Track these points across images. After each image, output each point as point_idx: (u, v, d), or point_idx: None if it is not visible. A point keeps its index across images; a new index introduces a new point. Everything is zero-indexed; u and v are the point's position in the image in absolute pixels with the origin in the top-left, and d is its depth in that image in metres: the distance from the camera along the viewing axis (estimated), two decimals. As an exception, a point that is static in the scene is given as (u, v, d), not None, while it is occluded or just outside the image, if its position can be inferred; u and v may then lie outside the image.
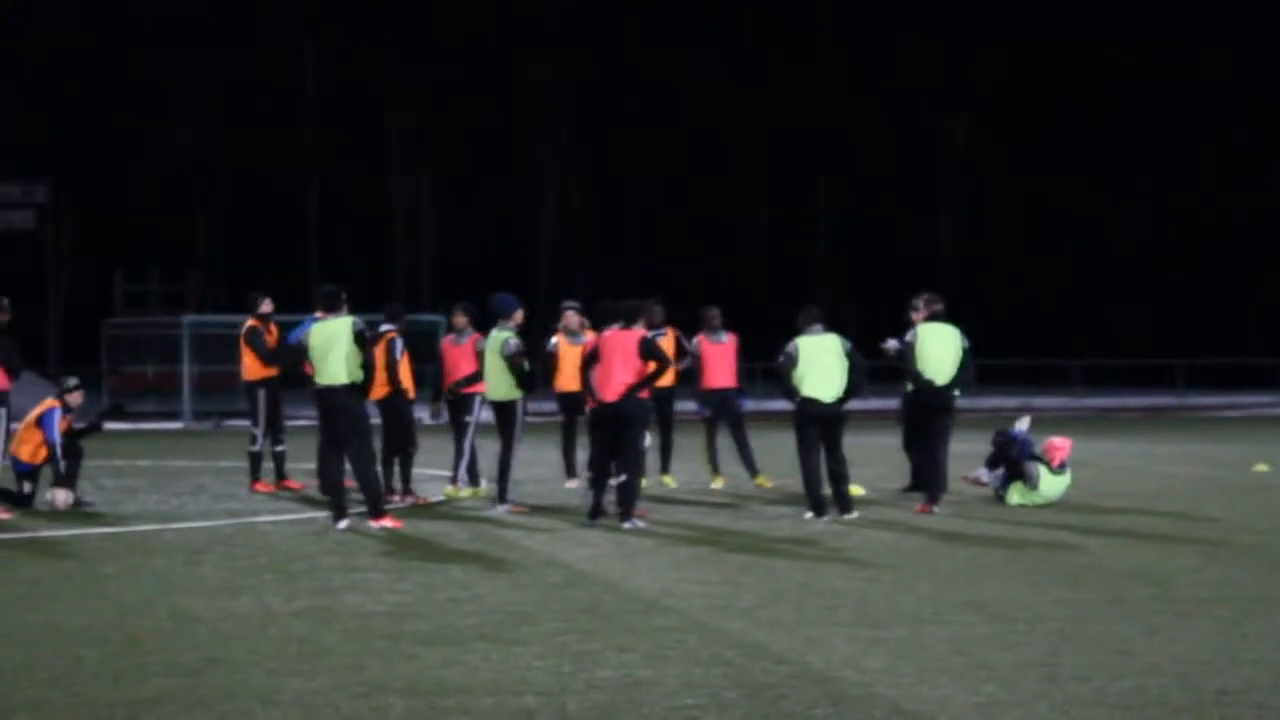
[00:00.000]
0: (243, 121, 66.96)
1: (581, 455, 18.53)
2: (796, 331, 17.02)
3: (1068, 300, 68.39)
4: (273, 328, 20.32)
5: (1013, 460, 18.33)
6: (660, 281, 39.11)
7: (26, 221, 60.60)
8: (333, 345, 16.10)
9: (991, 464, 18.73)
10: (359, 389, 16.17)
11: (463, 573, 13.15)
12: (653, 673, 9.22)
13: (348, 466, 16.33)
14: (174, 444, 32.10)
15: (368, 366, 16.13)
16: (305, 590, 12.24)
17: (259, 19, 66.94)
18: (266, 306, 20.33)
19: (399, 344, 18.46)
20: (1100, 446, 28.02)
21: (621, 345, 16.35)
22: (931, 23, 71.50)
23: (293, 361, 18.55)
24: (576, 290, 51.18)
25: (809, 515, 16.77)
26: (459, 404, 18.98)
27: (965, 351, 17.73)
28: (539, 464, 22.60)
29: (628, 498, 16.29)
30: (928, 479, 17.75)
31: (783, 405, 17.85)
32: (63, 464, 18.24)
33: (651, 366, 16.37)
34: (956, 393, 17.72)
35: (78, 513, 17.97)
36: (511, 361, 17.75)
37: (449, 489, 19.24)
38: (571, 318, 19.52)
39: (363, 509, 16.34)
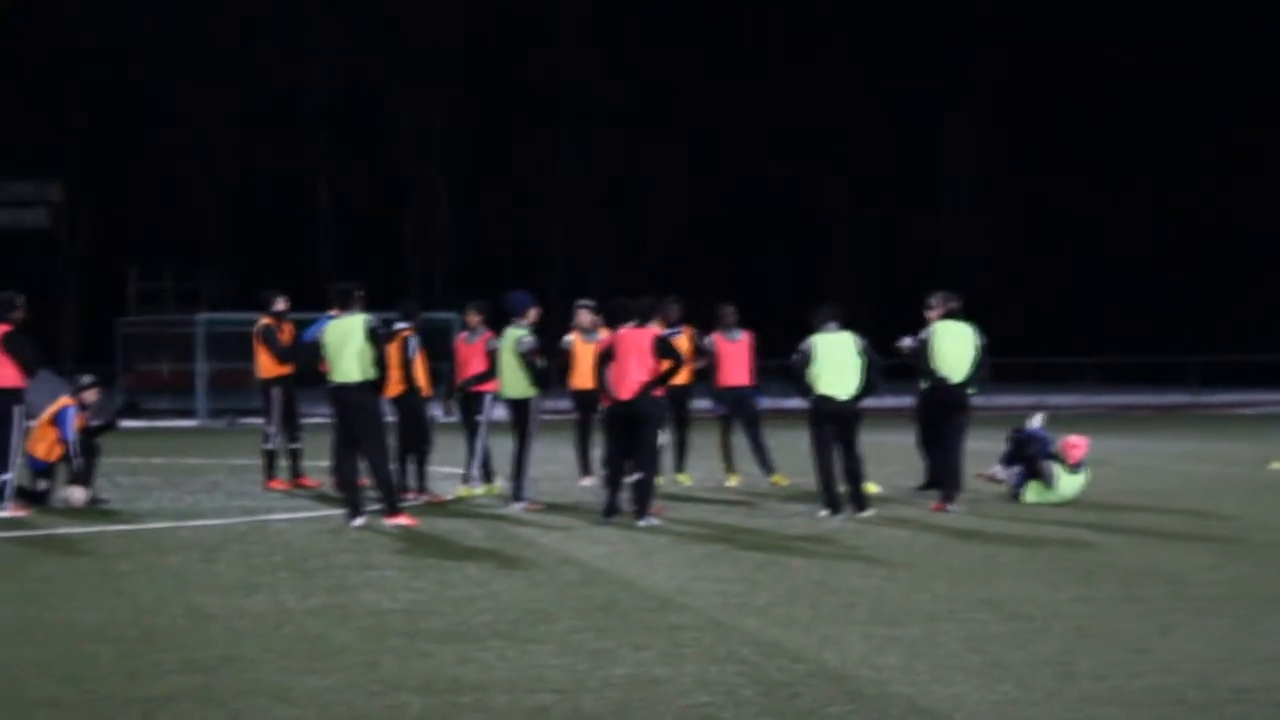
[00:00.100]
0: (256, 121, 67.01)
1: (596, 453, 18.54)
2: (812, 329, 17.01)
3: (1068, 300, 68.36)
4: (287, 326, 20.33)
5: (1030, 459, 18.31)
6: (675, 281, 39.06)
7: (41, 220, 60.72)
8: (346, 342, 16.12)
9: (1007, 461, 18.71)
10: (373, 386, 16.19)
11: (478, 570, 13.16)
12: (668, 670, 9.22)
13: (363, 464, 16.34)
14: (189, 442, 32.14)
15: (381, 363, 16.14)
16: (320, 588, 12.24)
17: (270, 17, 66.97)
18: (281, 304, 20.35)
19: (414, 342, 18.47)
20: (1115, 444, 27.98)
21: (636, 343, 16.35)
22: (932, 23, 71.46)
23: (307, 359, 18.55)
24: (590, 289, 51.18)
25: (824, 513, 16.76)
26: (471, 402, 18.97)
27: (980, 349, 17.70)
28: (554, 462, 22.60)
29: (643, 495, 16.29)
30: (943, 477, 17.73)
31: (798, 403, 17.84)
32: (78, 462, 18.27)
33: (666, 364, 16.37)
34: (971, 390, 17.69)
35: (93, 510, 18.00)
36: (526, 359, 17.78)
37: (461, 489, 19.24)
38: (585, 316, 19.52)
39: (378, 507, 16.35)
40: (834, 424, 16.83)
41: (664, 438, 17.45)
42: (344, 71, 67.44)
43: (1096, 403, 48.49)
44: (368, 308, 16.57)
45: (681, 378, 18.50)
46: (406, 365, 18.28)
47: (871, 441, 20.04)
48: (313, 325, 19.07)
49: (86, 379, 19.07)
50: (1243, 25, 68.05)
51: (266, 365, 20.17)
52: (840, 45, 70.42)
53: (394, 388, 17.85)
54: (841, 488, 16.86)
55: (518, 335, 17.97)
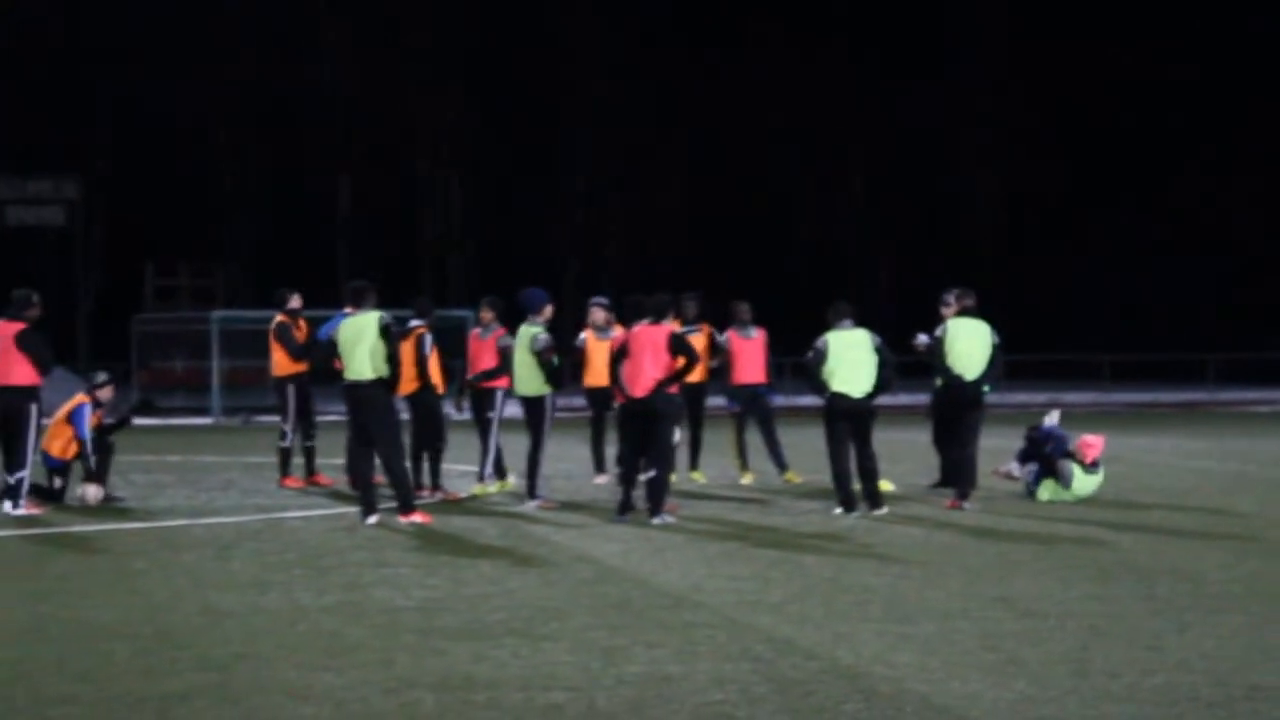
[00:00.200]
0: (271, 118, 67.08)
1: (610, 451, 18.53)
2: (826, 327, 16.99)
3: (1067, 300, 68.31)
4: (302, 323, 20.34)
5: (1047, 457, 18.28)
6: (688, 279, 39.01)
7: (57, 217, 60.68)
8: (360, 340, 16.13)
9: (1023, 458, 18.68)
10: (386, 383, 16.19)
11: (492, 568, 13.16)
12: (682, 668, 9.21)
13: (378, 462, 16.35)
14: (203, 439, 32.18)
15: (393, 360, 16.14)
16: (335, 585, 12.25)
17: (286, 16, 67.01)
18: (296, 302, 20.36)
19: (428, 339, 18.46)
20: (1131, 442, 27.93)
21: (651, 340, 16.33)
22: (934, 23, 71.38)
23: (322, 357, 18.56)
24: (604, 287, 51.19)
25: (838, 511, 16.75)
26: (482, 400, 18.96)
27: (995, 347, 17.68)
28: (568, 459, 22.61)
29: (657, 493, 16.28)
30: (958, 474, 17.71)
31: (813, 400, 17.82)
32: (93, 459, 18.29)
33: (680, 362, 16.34)
34: (986, 388, 17.67)
35: (108, 508, 18.03)
36: (541, 357, 17.78)
37: (476, 487, 19.24)
38: (598, 313, 19.49)
39: (392, 504, 16.36)
40: (848, 421, 16.81)
41: (678, 435, 17.46)
42: (358, 69, 67.47)
43: (1112, 400, 48.43)
44: (382, 305, 16.58)
45: (696, 375, 18.48)
46: (421, 363, 18.28)
47: (886, 439, 20.02)
48: (327, 323, 19.07)
49: (101, 376, 19.09)
50: (1243, 25, 67.91)
51: (281, 363, 20.18)
52: (840, 45, 70.30)
53: (408, 385, 17.87)
54: (856, 485, 16.85)
55: (533, 332, 17.97)
